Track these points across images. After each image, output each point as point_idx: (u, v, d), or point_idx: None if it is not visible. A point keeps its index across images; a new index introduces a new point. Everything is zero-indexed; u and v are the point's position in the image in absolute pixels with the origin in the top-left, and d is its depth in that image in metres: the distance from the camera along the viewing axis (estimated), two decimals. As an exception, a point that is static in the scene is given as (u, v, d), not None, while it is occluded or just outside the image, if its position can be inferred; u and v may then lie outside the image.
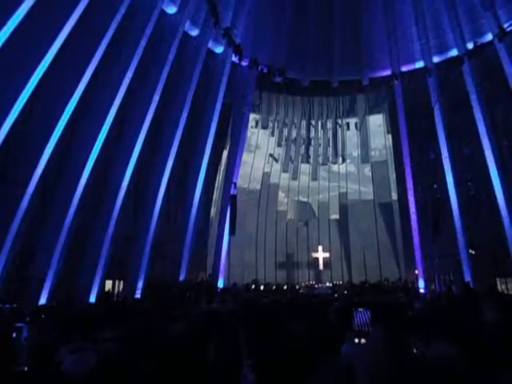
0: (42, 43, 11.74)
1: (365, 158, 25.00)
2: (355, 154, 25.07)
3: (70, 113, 13.05)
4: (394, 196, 23.95)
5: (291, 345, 3.17)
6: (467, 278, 18.27)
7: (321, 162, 25.35)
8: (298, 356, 2.80)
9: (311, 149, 25.25)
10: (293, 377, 2.66)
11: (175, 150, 17.68)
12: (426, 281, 20.39)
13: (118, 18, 13.93)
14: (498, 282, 18.19)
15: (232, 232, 19.50)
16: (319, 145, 25.30)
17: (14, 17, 10.59)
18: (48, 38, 11.85)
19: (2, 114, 10.96)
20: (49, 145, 12.54)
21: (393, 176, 23.98)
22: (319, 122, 25.15)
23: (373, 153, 24.77)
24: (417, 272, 21.07)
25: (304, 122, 25.05)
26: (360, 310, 4.05)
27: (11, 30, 10.65)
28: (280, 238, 24.48)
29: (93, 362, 3.37)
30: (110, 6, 13.83)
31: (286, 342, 3.30)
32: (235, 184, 19.63)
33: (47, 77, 11.95)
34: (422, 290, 19.67)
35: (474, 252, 18.86)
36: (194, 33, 18.37)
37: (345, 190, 25.16)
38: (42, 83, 11.85)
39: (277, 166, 25.16)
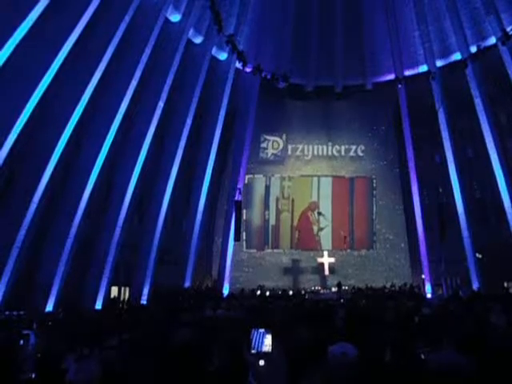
0: (46, 54, 11.87)
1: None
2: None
3: (76, 121, 13.17)
4: (400, 200, 23.82)
5: (297, 352, 3.15)
6: (475, 282, 18.12)
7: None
8: (303, 364, 2.79)
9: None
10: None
11: (180, 156, 17.77)
12: (432, 285, 20.23)
13: (123, 26, 14.08)
14: (506, 286, 18.02)
15: (237, 238, 19.47)
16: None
17: (23, 23, 10.72)
18: (53, 49, 11.98)
19: (8, 124, 11.08)
20: (54, 153, 12.65)
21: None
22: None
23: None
24: (423, 276, 20.91)
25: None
26: (260, 330, 3.96)
27: (20, 37, 10.79)
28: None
29: (96, 371, 3.38)
30: (115, 14, 13.99)
31: (292, 349, 3.29)
32: (240, 190, 19.64)
33: (53, 86, 12.08)
34: (428, 295, 19.51)
35: (480, 256, 18.72)
36: (198, 40, 18.52)
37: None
38: (48, 93, 11.98)
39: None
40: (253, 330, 3.86)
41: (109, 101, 14.65)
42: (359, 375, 2.37)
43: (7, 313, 11.06)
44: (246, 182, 23.36)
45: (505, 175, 17.75)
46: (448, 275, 20.05)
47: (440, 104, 19.23)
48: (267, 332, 3.84)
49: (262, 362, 3.56)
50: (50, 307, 12.92)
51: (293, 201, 24.90)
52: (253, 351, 3.76)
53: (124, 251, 16.00)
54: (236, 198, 19.14)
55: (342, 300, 15.58)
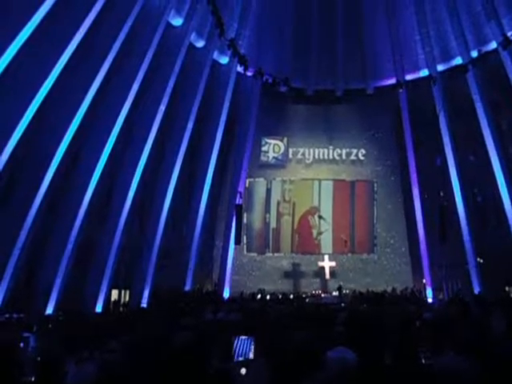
0: (47, 59, 11.91)
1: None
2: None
3: (77, 125, 13.20)
4: (400, 204, 23.80)
5: (297, 356, 3.13)
6: (476, 286, 18.05)
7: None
8: (303, 368, 2.78)
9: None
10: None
11: (181, 160, 17.80)
12: (434, 290, 20.16)
13: (125, 30, 14.15)
14: (507, 290, 17.96)
15: (237, 242, 19.46)
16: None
17: (24, 28, 10.76)
18: (54, 53, 12.02)
19: (9, 128, 11.11)
20: (56, 157, 12.67)
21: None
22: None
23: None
24: (424, 281, 20.84)
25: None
26: (242, 337, 3.84)
27: (20, 42, 10.82)
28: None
29: (93, 374, 3.36)
30: (117, 18, 14.07)
31: (286, 353, 3.27)
32: (241, 193, 19.66)
33: (53, 91, 12.12)
34: (429, 299, 19.43)
35: (482, 260, 18.67)
36: (200, 44, 18.59)
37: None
38: (49, 97, 12.00)
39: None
40: (235, 338, 3.70)
41: (110, 104, 14.70)
42: (358, 380, 2.36)
43: (7, 315, 11.04)
44: (247, 185, 23.36)
45: (506, 179, 17.73)
46: (449, 279, 20.00)
47: (441, 108, 19.25)
48: (251, 339, 3.71)
49: (243, 371, 3.43)
50: (50, 310, 12.91)
51: (294, 204, 24.89)
52: (240, 358, 3.63)
53: (125, 254, 16.00)
54: (237, 202, 19.17)
55: (342, 304, 15.54)
